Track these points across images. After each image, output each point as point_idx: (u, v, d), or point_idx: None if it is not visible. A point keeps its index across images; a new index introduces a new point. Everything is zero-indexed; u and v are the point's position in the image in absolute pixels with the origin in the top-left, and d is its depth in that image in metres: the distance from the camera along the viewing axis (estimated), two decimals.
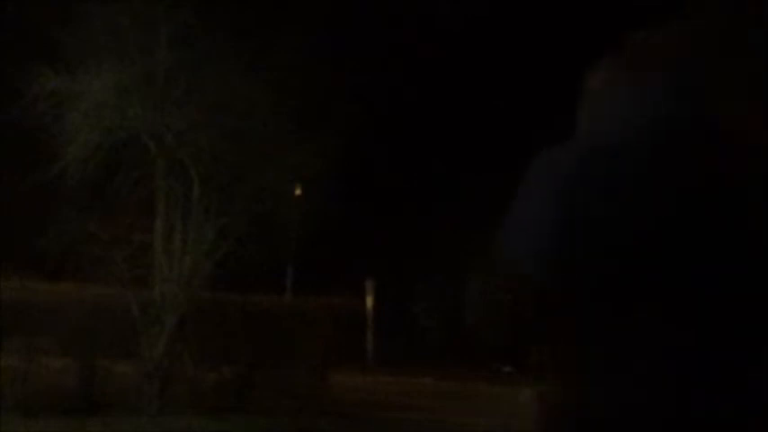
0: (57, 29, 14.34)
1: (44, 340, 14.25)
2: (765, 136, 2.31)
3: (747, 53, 2.31)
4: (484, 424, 14.81)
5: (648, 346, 2.21)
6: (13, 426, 12.48)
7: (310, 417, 14.51)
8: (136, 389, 14.33)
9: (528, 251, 2.28)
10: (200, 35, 14.75)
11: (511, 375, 21.16)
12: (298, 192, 18.00)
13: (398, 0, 27.09)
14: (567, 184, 2.27)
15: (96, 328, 14.30)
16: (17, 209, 17.69)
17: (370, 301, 27.58)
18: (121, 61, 14.65)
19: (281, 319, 15.72)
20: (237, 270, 14.65)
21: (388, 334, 25.92)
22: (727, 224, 2.24)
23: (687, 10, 2.32)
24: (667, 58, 2.30)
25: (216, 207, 14.85)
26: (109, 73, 14.52)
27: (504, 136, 24.04)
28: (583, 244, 2.25)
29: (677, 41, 2.31)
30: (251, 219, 14.86)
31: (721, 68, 2.31)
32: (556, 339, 2.29)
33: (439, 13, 27.43)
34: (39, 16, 15.41)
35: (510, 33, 26.81)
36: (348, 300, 17.56)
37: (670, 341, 2.22)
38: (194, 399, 14.50)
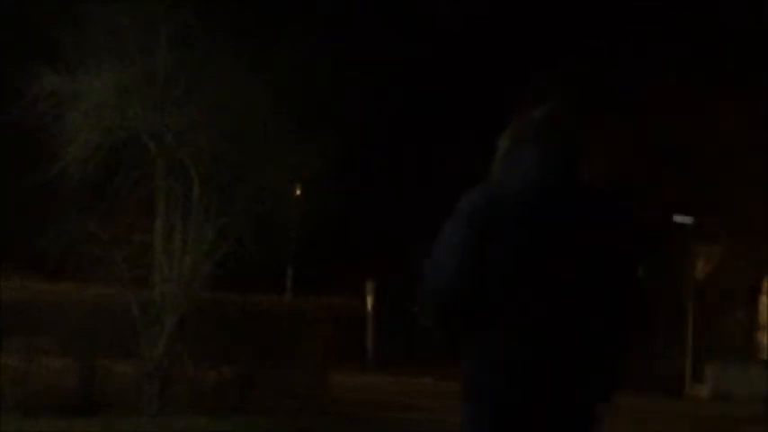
0: (57, 29, 14.33)
1: (44, 340, 14.24)
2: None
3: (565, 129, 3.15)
4: None
5: (522, 349, 2.99)
6: (13, 426, 12.46)
7: (310, 417, 14.52)
8: (136, 389, 14.32)
9: (442, 277, 3.04)
10: (200, 35, 14.75)
11: None
12: (298, 192, 18.00)
13: (398, 0, 27.10)
14: (475, 224, 3.00)
15: (96, 328, 14.29)
16: (17, 209, 17.72)
17: (370, 301, 27.59)
18: (121, 61, 14.64)
19: (281, 319, 15.71)
20: (237, 270, 14.63)
21: (388, 334, 25.90)
22: (589, 255, 2.98)
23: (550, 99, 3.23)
24: (541, 130, 3.08)
25: (216, 207, 14.83)
26: (109, 73, 14.51)
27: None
28: (485, 273, 2.95)
29: (548, 118, 3.11)
30: (251, 219, 14.84)
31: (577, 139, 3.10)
32: (456, 344, 3.09)
33: (439, 13, 27.43)
34: (39, 16, 15.41)
35: (511, 33, 26.80)
36: (348, 300, 17.54)
37: (540, 345, 2.97)
38: (194, 399, 14.50)
